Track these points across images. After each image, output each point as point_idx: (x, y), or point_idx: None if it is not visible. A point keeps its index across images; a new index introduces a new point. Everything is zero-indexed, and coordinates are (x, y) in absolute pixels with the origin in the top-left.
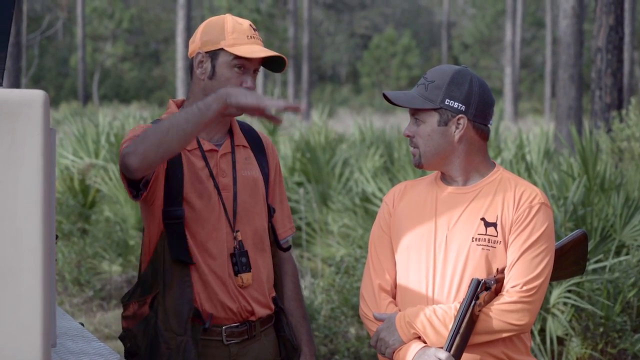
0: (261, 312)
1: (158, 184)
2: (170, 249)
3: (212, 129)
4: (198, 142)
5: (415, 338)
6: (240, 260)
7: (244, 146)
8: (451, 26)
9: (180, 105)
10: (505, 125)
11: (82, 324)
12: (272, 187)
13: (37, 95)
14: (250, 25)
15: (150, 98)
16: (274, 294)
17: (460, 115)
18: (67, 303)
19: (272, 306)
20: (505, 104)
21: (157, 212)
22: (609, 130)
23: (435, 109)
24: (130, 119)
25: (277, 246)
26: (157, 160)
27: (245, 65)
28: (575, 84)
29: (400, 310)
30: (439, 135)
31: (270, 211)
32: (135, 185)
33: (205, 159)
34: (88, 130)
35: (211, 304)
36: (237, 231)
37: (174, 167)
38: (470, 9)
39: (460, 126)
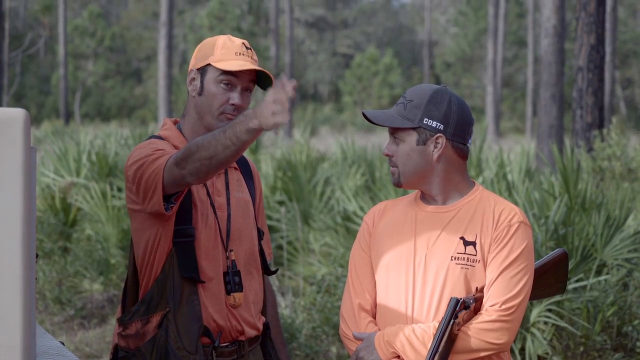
0: (250, 332)
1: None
2: (179, 268)
3: None
4: None
5: (394, 357)
6: (233, 280)
7: (235, 168)
8: (433, 45)
9: (175, 124)
10: (487, 144)
11: (63, 343)
12: (257, 210)
13: (17, 114)
14: (243, 43)
15: (132, 116)
16: (264, 320)
17: (438, 135)
18: (48, 322)
19: (260, 327)
20: (486, 123)
21: (169, 230)
22: (589, 150)
23: (413, 128)
24: (112, 138)
25: (265, 270)
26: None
27: (232, 81)
28: (556, 103)
29: (379, 330)
30: (417, 154)
31: (260, 234)
32: (166, 199)
33: None
34: (69, 149)
35: (207, 323)
36: (230, 251)
37: None
38: (452, 27)
39: (439, 145)
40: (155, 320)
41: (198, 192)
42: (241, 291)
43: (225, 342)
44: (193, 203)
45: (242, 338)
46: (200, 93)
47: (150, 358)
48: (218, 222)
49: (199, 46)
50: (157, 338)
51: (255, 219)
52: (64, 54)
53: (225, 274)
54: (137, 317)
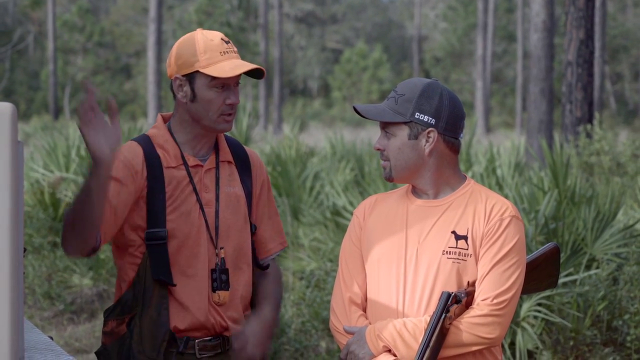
0: (235, 328)
1: (128, 211)
2: (151, 270)
3: (197, 144)
4: (183, 157)
5: (385, 351)
6: (220, 278)
7: (228, 162)
8: (422, 40)
9: (167, 119)
10: (477, 139)
11: (52, 338)
12: (257, 203)
13: (4, 108)
14: (221, 38)
15: (122, 112)
16: (249, 312)
17: (430, 129)
18: (38, 317)
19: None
20: (476, 118)
21: (138, 234)
22: (578, 145)
23: (405, 123)
24: None
25: (257, 265)
26: (85, 234)
27: (224, 82)
28: (546, 98)
29: (370, 324)
30: (409, 148)
31: (252, 229)
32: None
33: (189, 174)
34: (58, 144)
35: (185, 320)
36: (221, 248)
37: (155, 188)
38: (442, 22)
39: (431, 140)
40: (127, 320)
41: (181, 189)
42: (227, 289)
43: (208, 336)
44: (169, 203)
45: (226, 333)
46: (193, 100)
47: (116, 357)
48: (205, 219)
49: (176, 51)
50: (124, 338)
51: (250, 213)
52: (53, 49)
53: (213, 271)
54: (113, 316)
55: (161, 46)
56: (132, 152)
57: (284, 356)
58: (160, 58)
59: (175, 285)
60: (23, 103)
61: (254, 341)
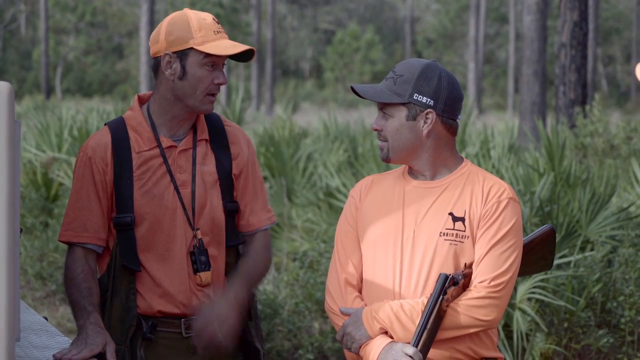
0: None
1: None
2: (120, 256)
3: (174, 125)
4: (157, 139)
5: (381, 333)
6: (199, 259)
7: (206, 140)
8: (415, 21)
9: (147, 100)
10: (472, 121)
11: (46, 318)
12: (239, 179)
13: (1, 87)
14: (213, 19)
15: (114, 92)
16: None
17: (428, 110)
18: (30, 297)
19: None
20: (468, 99)
21: (111, 221)
22: (572, 126)
23: (403, 104)
24: (94, 113)
25: (238, 242)
26: None
27: (215, 61)
28: (539, 80)
29: (366, 305)
30: (407, 129)
31: (234, 207)
32: None
33: (163, 156)
34: (51, 124)
35: (168, 303)
36: (197, 229)
37: (123, 174)
38: (434, 4)
39: (429, 121)
40: (100, 305)
41: (153, 171)
42: (208, 270)
43: (194, 316)
44: (138, 187)
45: None
46: (182, 77)
47: None
48: (181, 200)
49: (166, 27)
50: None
51: (228, 190)
52: (45, 29)
53: (192, 253)
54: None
55: (154, 26)
56: (101, 146)
57: (277, 337)
58: None
59: (140, 271)
60: (15, 83)
61: (217, 321)
